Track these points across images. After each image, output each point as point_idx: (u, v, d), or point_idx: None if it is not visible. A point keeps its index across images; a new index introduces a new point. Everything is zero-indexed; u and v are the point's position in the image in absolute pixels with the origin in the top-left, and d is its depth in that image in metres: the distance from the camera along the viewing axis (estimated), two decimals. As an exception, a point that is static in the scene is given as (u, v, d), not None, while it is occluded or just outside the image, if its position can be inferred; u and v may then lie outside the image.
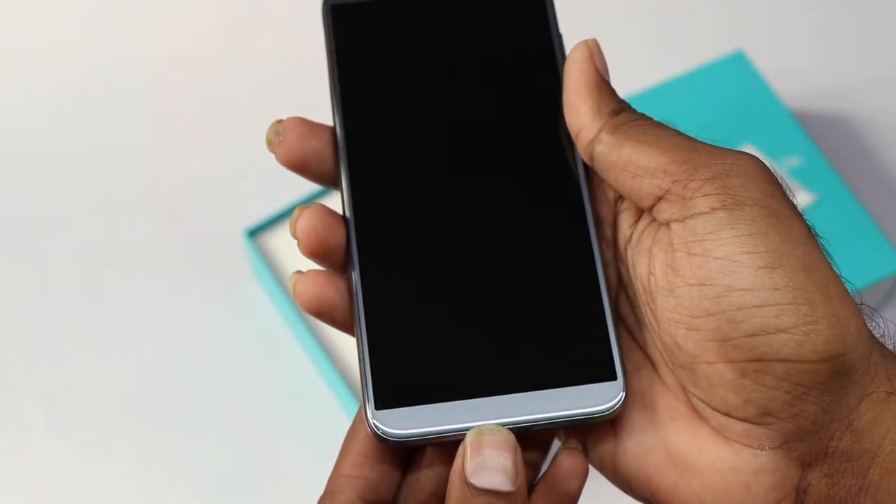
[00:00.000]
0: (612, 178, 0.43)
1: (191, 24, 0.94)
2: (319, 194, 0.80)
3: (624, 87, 0.86)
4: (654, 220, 0.43)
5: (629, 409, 0.43)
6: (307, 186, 0.81)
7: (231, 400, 0.79)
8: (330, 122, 0.47)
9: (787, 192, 0.42)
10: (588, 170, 0.45)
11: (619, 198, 0.44)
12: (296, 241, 0.44)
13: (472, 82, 0.45)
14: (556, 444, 0.45)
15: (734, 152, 0.42)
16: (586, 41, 0.46)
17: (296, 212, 0.44)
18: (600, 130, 0.43)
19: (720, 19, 0.94)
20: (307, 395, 0.79)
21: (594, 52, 0.45)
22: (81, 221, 0.85)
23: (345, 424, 0.78)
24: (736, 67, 0.84)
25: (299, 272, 0.45)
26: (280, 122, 0.45)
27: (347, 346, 0.77)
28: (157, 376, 0.80)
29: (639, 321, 0.44)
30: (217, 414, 0.79)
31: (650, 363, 0.44)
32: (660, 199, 0.42)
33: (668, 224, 0.41)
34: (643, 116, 0.44)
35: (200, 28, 0.93)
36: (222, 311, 0.82)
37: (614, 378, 0.42)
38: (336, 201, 0.46)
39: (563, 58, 0.46)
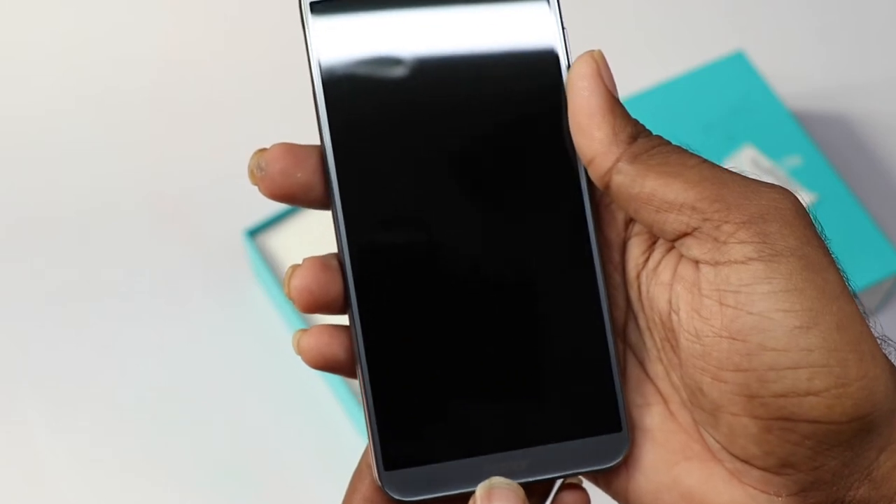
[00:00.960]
0: (631, 209, 0.41)
1: (191, 25, 0.94)
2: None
3: (624, 87, 0.86)
4: (671, 248, 0.41)
5: (641, 447, 0.42)
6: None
7: (231, 399, 0.79)
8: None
9: (821, 234, 0.41)
10: (592, 194, 0.42)
11: (630, 221, 0.42)
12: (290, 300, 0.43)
13: (469, 91, 0.41)
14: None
15: (767, 188, 0.40)
16: (591, 53, 0.43)
17: (288, 270, 0.43)
18: (618, 159, 0.40)
19: (720, 20, 0.94)
20: (307, 394, 0.79)
21: (601, 67, 0.43)
22: (82, 221, 0.85)
23: (345, 424, 0.78)
24: (736, 67, 0.84)
25: (303, 331, 0.44)
26: (262, 152, 0.43)
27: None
28: (157, 375, 0.79)
29: (648, 351, 0.43)
30: (217, 413, 0.79)
31: (661, 397, 0.43)
32: (686, 234, 0.40)
33: (695, 263, 0.40)
34: (661, 141, 0.42)
35: (200, 29, 0.93)
36: (222, 310, 0.81)
37: (619, 430, 0.42)
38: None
39: (568, 58, 0.43)
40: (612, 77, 0.42)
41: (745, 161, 0.81)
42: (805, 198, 0.80)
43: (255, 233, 0.79)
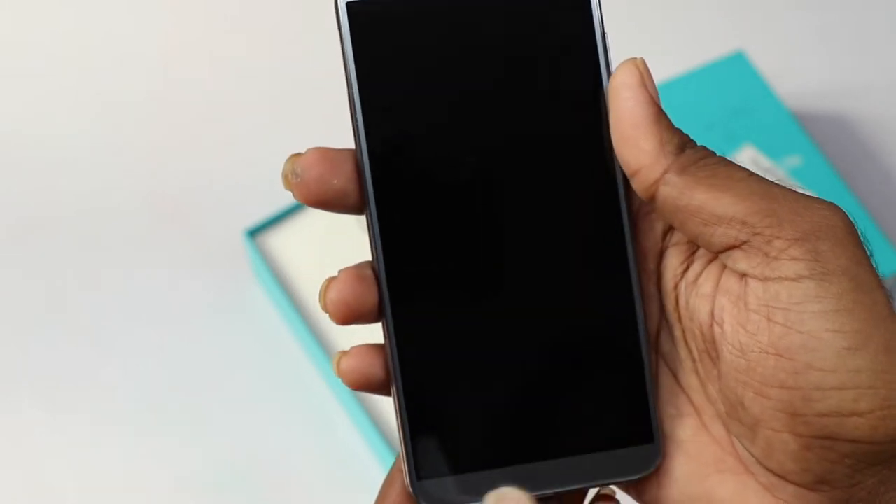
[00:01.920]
0: (676, 221, 0.40)
1: (191, 25, 0.94)
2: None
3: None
4: (712, 259, 0.41)
5: (673, 458, 0.42)
6: (307, 186, 0.81)
7: (230, 399, 0.79)
8: (345, 130, 0.44)
9: (869, 252, 0.40)
10: (630, 202, 0.41)
11: (668, 231, 0.42)
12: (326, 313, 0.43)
13: (508, 95, 0.41)
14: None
15: (818, 204, 0.39)
16: (634, 61, 0.42)
17: (324, 283, 0.43)
18: (666, 171, 0.40)
19: (720, 19, 0.94)
20: (307, 394, 0.79)
21: (645, 76, 0.42)
22: (81, 221, 0.85)
23: (345, 423, 0.78)
24: (736, 67, 0.84)
25: (343, 353, 0.43)
26: (297, 157, 0.42)
27: (346, 345, 0.76)
28: (157, 375, 0.79)
29: (682, 362, 0.42)
30: (217, 412, 0.79)
31: (694, 408, 0.42)
32: (734, 247, 0.39)
33: (741, 276, 0.39)
34: (708, 152, 0.41)
35: (200, 29, 0.93)
36: (222, 310, 0.81)
37: (651, 441, 0.41)
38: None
39: (608, 63, 0.42)
40: (655, 85, 0.42)
41: (746, 161, 0.81)
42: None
43: (255, 233, 0.79)
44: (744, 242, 0.39)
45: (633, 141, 0.40)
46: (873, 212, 0.84)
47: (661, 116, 0.40)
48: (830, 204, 0.40)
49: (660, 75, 0.85)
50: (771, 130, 0.82)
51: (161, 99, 0.90)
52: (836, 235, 0.39)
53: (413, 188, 0.41)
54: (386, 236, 0.41)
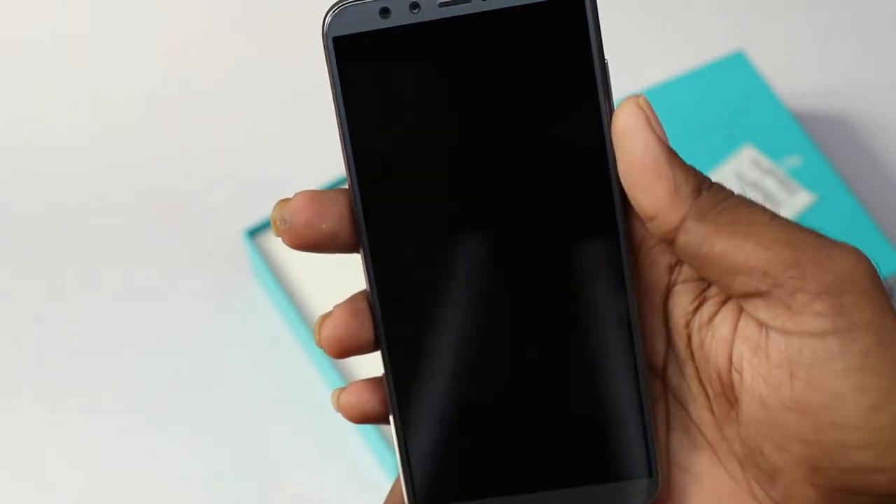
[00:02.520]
0: (696, 266, 0.39)
1: (191, 26, 0.93)
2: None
3: (624, 87, 0.86)
4: (728, 299, 0.40)
5: (688, 491, 0.41)
6: (306, 187, 0.80)
7: (231, 399, 0.79)
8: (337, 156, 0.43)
9: (892, 300, 0.39)
10: (630, 237, 0.40)
11: (676, 265, 0.41)
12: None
13: (502, 128, 0.39)
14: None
15: (842, 253, 0.39)
16: (637, 101, 0.40)
17: (319, 319, 0.42)
18: (685, 218, 0.38)
19: (720, 19, 0.94)
20: (307, 394, 0.79)
21: (650, 115, 0.40)
22: (82, 221, 0.85)
23: (342, 421, 0.78)
24: (736, 67, 0.84)
25: (341, 389, 0.43)
26: (285, 203, 0.41)
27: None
28: (158, 375, 0.79)
29: (695, 398, 0.41)
30: (217, 413, 0.78)
31: (707, 442, 0.42)
32: (755, 296, 0.38)
33: (762, 325, 0.39)
34: (725, 193, 0.39)
35: (200, 29, 0.93)
36: (223, 310, 0.81)
37: (649, 475, 0.41)
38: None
39: (608, 93, 0.40)
40: (660, 122, 0.40)
41: (745, 161, 0.81)
42: (805, 198, 0.80)
43: (255, 233, 0.79)
44: (766, 292, 0.38)
45: (646, 186, 0.38)
46: (873, 211, 0.84)
47: (672, 157, 0.39)
48: (854, 251, 0.39)
49: (660, 75, 0.85)
50: (771, 130, 0.82)
51: (162, 99, 0.90)
52: (860, 287, 0.38)
53: (407, 224, 0.40)
54: (379, 273, 0.40)
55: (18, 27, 0.94)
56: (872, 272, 0.39)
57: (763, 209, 0.39)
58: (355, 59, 0.39)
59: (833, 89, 0.91)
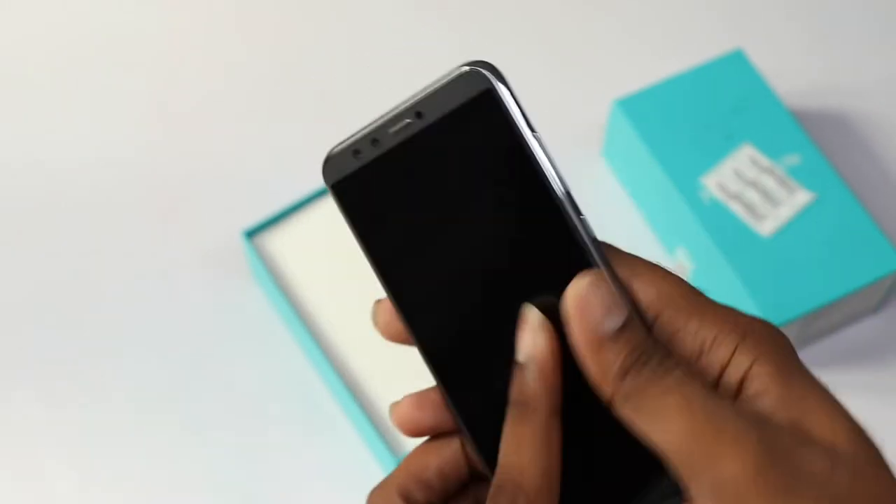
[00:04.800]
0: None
1: (191, 28, 0.93)
2: (316, 195, 0.80)
3: (625, 85, 0.86)
4: None
5: None
6: (305, 188, 0.80)
7: (228, 397, 0.79)
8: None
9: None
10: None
11: None
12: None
13: (478, 214, 0.45)
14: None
15: (731, 449, 0.39)
16: (588, 280, 0.42)
17: (389, 407, 0.45)
18: (612, 396, 0.41)
19: (720, 19, 0.94)
20: (304, 393, 0.79)
21: (593, 296, 0.42)
22: (80, 221, 0.85)
23: (341, 421, 0.78)
24: (735, 65, 0.84)
25: (395, 404, 0.45)
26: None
27: (345, 346, 0.76)
28: (155, 374, 0.79)
29: None
30: (214, 411, 0.78)
31: None
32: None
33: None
34: (653, 374, 0.41)
35: (200, 31, 0.93)
36: (220, 310, 0.81)
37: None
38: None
39: (548, 156, 0.45)
40: (608, 297, 0.41)
41: (744, 159, 0.81)
42: (804, 196, 0.79)
43: (252, 234, 0.79)
44: (680, 478, 0.40)
45: (584, 361, 0.41)
46: (872, 210, 0.84)
47: (602, 343, 0.41)
48: (743, 450, 0.38)
49: (659, 73, 0.85)
50: (770, 129, 0.82)
51: (161, 101, 0.90)
52: (736, 490, 0.38)
53: (446, 315, 0.45)
54: (439, 371, 0.45)
55: (17, 27, 0.93)
56: (760, 463, 0.38)
57: (687, 390, 0.40)
58: (352, 196, 0.46)
59: (832, 88, 0.91)
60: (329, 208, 0.80)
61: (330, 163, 0.47)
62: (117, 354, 0.80)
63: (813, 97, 0.90)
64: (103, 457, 0.77)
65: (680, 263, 0.82)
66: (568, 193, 0.46)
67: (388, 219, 0.46)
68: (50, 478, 0.77)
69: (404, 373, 0.75)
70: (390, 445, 0.72)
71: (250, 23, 0.94)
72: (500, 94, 0.45)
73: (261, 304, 0.81)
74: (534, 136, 0.44)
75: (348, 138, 0.47)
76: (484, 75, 0.45)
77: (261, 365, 0.80)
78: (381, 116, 0.47)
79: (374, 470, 0.76)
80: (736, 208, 0.79)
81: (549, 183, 0.45)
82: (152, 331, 0.81)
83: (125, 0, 0.94)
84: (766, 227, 0.78)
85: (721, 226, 0.78)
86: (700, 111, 0.82)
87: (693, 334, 0.41)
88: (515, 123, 0.44)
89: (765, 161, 0.81)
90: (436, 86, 0.46)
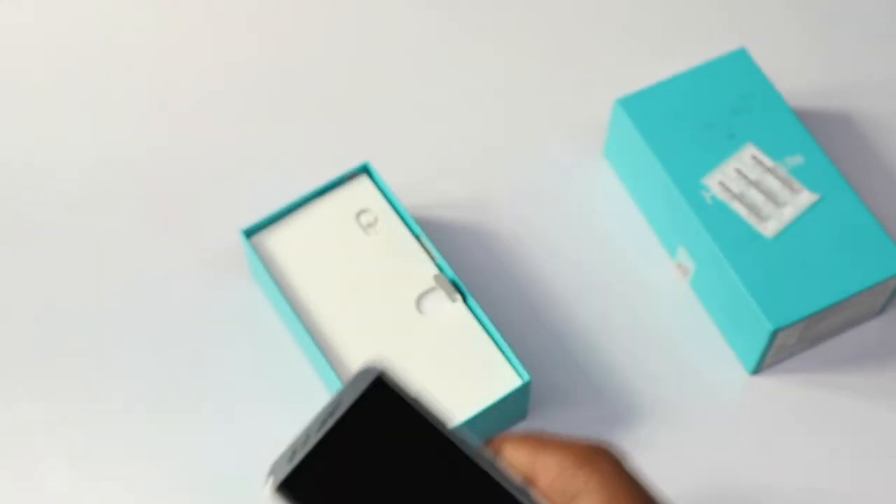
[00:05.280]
0: None
1: (190, 28, 0.93)
2: (315, 195, 0.80)
3: (627, 84, 0.85)
4: None
5: None
6: (302, 187, 0.80)
7: (227, 397, 0.78)
8: None
9: None
10: None
11: None
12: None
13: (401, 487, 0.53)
14: None
15: None
16: None
17: None
18: None
19: (723, 18, 0.94)
20: (303, 389, 0.78)
21: None
22: (80, 221, 0.85)
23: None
24: (738, 64, 0.83)
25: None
26: None
27: (343, 344, 0.76)
28: (155, 373, 0.79)
29: None
30: (214, 410, 0.78)
31: None
32: None
33: None
34: None
35: (199, 31, 0.93)
36: (219, 309, 0.81)
37: None
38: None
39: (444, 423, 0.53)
40: None
41: (747, 159, 0.80)
42: (808, 197, 0.79)
43: (251, 232, 0.79)
44: None
45: None
46: (876, 211, 0.84)
47: None
48: None
49: (661, 73, 0.85)
50: (773, 129, 0.81)
51: (160, 101, 0.89)
52: None
53: None
54: None
55: (18, 28, 0.93)
56: None
57: None
58: (294, 492, 0.53)
59: (836, 88, 0.90)
60: (328, 208, 0.80)
61: (273, 470, 0.54)
62: (116, 354, 0.80)
63: (816, 97, 0.89)
64: (102, 457, 0.77)
65: (681, 264, 0.82)
66: (456, 435, 0.54)
67: (330, 496, 0.54)
68: (48, 478, 0.76)
69: (404, 368, 0.75)
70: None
71: (248, 24, 0.93)
72: (390, 380, 0.54)
73: (259, 302, 0.81)
74: (420, 401, 0.54)
75: (287, 448, 0.55)
76: (375, 368, 0.54)
77: (259, 363, 0.79)
78: (309, 422, 0.57)
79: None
80: (738, 209, 0.78)
81: (442, 432, 0.53)
82: (151, 330, 0.80)
83: (125, 0, 0.94)
84: (769, 227, 0.78)
85: (723, 226, 0.78)
86: (702, 110, 0.82)
87: (544, 469, 0.51)
88: (406, 398, 0.54)
89: (768, 161, 0.80)
90: (343, 387, 0.55)
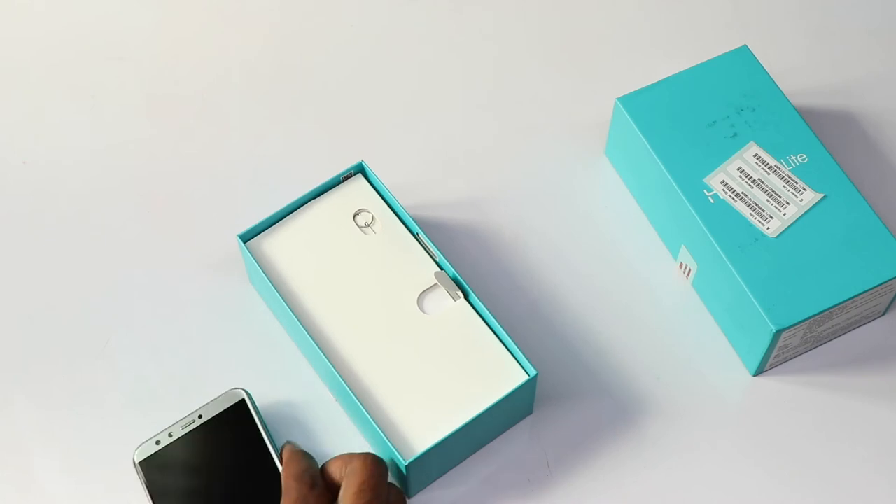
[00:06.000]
0: None
1: (185, 30, 0.93)
2: (311, 198, 0.79)
3: (629, 83, 0.85)
4: None
5: None
6: (298, 191, 0.80)
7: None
8: None
9: None
10: None
11: None
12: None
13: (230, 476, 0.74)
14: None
15: None
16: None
17: None
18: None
19: (725, 16, 0.93)
20: (302, 393, 0.78)
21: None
22: (77, 223, 0.84)
23: (344, 424, 0.77)
24: (740, 61, 0.83)
25: None
26: None
27: (342, 347, 0.76)
28: (154, 378, 0.79)
29: None
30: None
31: None
32: None
33: None
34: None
35: (194, 33, 0.93)
36: (216, 313, 0.81)
37: None
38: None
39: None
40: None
41: (750, 158, 0.79)
42: (811, 196, 0.78)
43: (247, 237, 0.78)
44: None
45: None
46: (880, 210, 0.83)
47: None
48: None
49: (663, 71, 0.84)
50: (776, 127, 0.81)
51: (159, 104, 0.89)
52: None
53: None
54: None
55: (16, 26, 0.93)
56: None
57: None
58: (152, 471, 0.74)
59: (839, 86, 0.90)
60: (324, 209, 0.79)
61: (139, 448, 0.74)
62: (113, 357, 0.79)
63: (820, 95, 0.89)
64: (97, 461, 0.76)
65: (683, 264, 0.82)
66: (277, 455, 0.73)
67: (176, 483, 0.73)
68: (41, 480, 0.76)
69: (401, 373, 0.75)
70: (392, 443, 0.72)
71: (244, 26, 0.93)
72: (248, 402, 0.74)
73: (258, 307, 0.81)
74: (262, 423, 0.74)
75: (153, 436, 0.74)
76: (239, 391, 0.75)
77: (257, 367, 0.79)
78: (175, 422, 0.75)
79: (372, 475, 0.75)
80: (741, 208, 0.78)
81: (270, 452, 0.73)
82: (149, 333, 0.80)
83: (123, 1, 0.94)
84: (772, 227, 0.77)
85: (726, 226, 0.77)
86: (704, 109, 0.81)
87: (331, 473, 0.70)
88: (254, 419, 0.74)
89: (771, 160, 0.80)
90: (214, 399, 0.75)
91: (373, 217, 0.79)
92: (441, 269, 0.77)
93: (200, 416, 0.74)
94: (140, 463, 0.73)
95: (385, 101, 0.89)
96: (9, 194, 0.86)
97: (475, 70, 0.91)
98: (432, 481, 0.76)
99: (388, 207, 0.79)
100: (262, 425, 0.73)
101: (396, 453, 0.71)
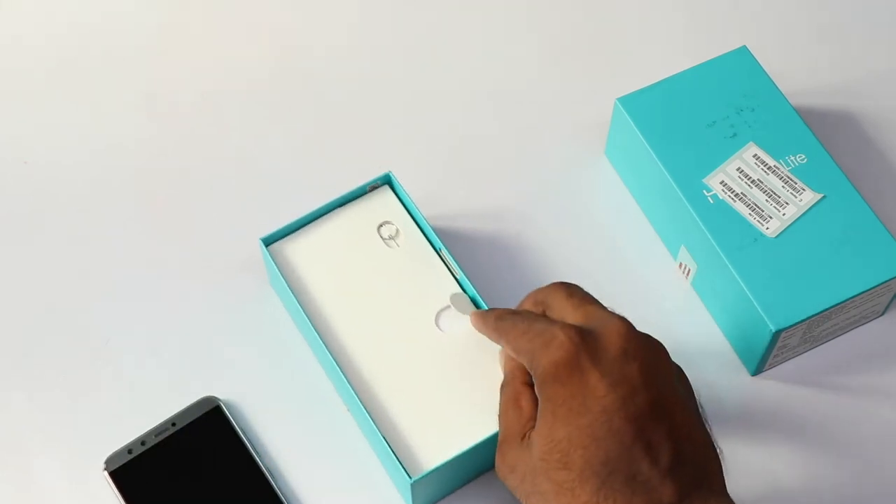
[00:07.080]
0: None
1: (204, 34, 0.93)
2: (336, 205, 0.79)
3: (629, 82, 0.85)
4: None
5: None
6: (322, 196, 0.79)
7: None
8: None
9: None
10: None
11: None
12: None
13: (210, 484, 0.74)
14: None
15: None
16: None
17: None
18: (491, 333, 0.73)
19: (724, 16, 0.93)
20: (319, 399, 0.78)
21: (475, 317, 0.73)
22: (96, 229, 0.84)
23: (357, 434, 0.77)
24: (740, 62, 0.83)
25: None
26: None
27: (361, 355, 0.75)
28: (172, 383, 0.78)
29: None
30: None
31: None
32: None
33: None
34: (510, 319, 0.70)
35: (215, 38, 0.92)
36: (237, 316, 0.80)
37: None
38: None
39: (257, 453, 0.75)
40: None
41: (749, 159, 0.80)
42: (811, 196, 0.78)
43: (270, 241, 0.78)
44: None
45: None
46: (880, 211, 0.83)
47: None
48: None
49: (662, 71, 0.84)
50: (775, 127, 0.81)
51: (177, 108, 0.89)
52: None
53: None
54: None
55: (17, 27, 0.93)
56: None
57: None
58: (125, 480, 0.74)
59: (839, 86, 0.90)
60: (349, 218, 0.79)
61: (110, 459, 0.74)
62: (113, 357, 0.79)
63: (819, 95, 0.89)
64: (97, 461, 0.76)
65: (683, 264, 0.82)
66: (264, 465, 0.74)
67: (151, 493, 0.73)
68: (41, 480, 0.76)
69: (414, 389, 0.74)
70: (401, 457, 0.71)
71: (266, 31, 0.93)
72: (224, 409, 0.75)
73: (277, 311, 0.80)
74: (241, 431, 0.74)
75: (125, 445, 0.74)
76: (214, 398, 0.75)
77: (275, 373, 0.79)
78: (148, 430, 0.75)
79: (386, 481, 0.75)
80: (740, 208, 0.78)
81: (255, 458, 0.74)
82: (149, 334, 0.80)
83: (130, 1, 0.94)
84: (772, 227, 0.77)
85: (725, 226, 0.77)
86: (704, 109, 0.81)
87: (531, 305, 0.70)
88: (232, 426, 0.74)
89: (770, 160, 0.80)
90: (186, 406, 0.75)
91: (397, 230, 0.79)
92: (461, 287, 0.77)
93: (174, 424, 0.74)
94: (111, 473, 0.73)
95: (385, 102, 0.89)
96: (9, 194, 0.86)
97: (475, 70, 0.91)
98: (438, 500, 0.75)
99: (412, 221, 0.79)
100: (243, 432, 0.73)
101: (403, 469, 0.71)
